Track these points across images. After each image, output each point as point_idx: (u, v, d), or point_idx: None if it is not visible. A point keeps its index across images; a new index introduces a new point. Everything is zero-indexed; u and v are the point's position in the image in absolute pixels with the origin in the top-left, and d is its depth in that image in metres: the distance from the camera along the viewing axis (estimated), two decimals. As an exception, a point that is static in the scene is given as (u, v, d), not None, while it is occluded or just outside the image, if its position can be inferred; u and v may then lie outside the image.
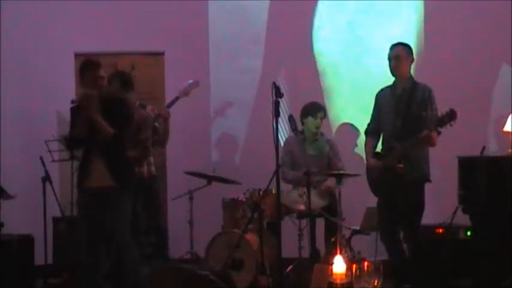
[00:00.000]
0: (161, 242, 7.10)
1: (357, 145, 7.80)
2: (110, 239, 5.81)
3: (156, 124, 7.04)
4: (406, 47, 6.26)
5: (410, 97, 6.14)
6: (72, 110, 5.84)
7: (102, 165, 5.75)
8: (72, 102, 5.85)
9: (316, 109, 7.12)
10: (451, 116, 5.79)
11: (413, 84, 6.20)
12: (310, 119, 7.11)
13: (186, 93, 7.29)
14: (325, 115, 7.20)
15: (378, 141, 6.40)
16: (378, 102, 6.38)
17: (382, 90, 6.39)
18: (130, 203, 5.88)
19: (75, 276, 6.72)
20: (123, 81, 6.58)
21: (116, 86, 6.54)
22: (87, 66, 5.82)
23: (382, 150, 6.32)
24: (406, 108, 6.13)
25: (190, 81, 7.36)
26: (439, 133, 5.96)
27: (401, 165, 6.02)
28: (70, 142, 5.98)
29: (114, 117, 5.72)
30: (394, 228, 6.24)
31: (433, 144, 6.07)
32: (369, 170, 6.32)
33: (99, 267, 5.84)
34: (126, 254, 5.83)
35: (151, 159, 6.99)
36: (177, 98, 7.17)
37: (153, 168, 7.00)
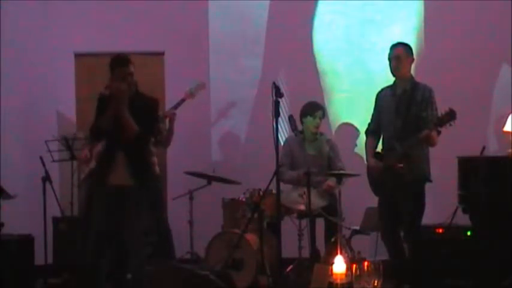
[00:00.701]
0: (165, 242, 7.10)
1: (356, 145, 7.81)
2: (119, 238, 5.79)
3: (160, 124, 7.05)
4: (406, 47, 6.26)
5: (410, 97, 6.14)
6: (100, 100, 5.80)
7: (125, 163, 5.73)
8: (101, 93, 5.81)
9: (314, 108, 7.12)
10: (451, 115, 5.80)
11: (414, 85, 6.20)
12: (309, 119, 7.11)
13: (192, 95, 7.28)
14: (324, 114, 7.20)
15: (378, 141, 6.40)
16: (378, 102, 6.38)
17: (382, 90, 6.39)
18: (146, 203, 5.86)
19: (75, 276, 6.73)
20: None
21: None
22: (118, 62, 5.80)
23: (382, 150, 6.32)
24: (406, 108, 6.14)
25: (197, 83, 7.36)
26: (439, 133, 5.96)
27: (401, 165, 6.02)
28: (94, 132, 5.89)
29: (141, 116, 5.72)
30: (395, 228, 6.24)
31: (433, 144, 6.07)
32: (370, 170, 6.32)
33: (100, 266, 5.83)
34: (133, 257, 5.80)
35: (155, 159, 7.01)
36: (182, 100, 7.17)
37: (157, 168, 7.02)
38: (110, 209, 5.75)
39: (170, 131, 7.11)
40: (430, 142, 6.03)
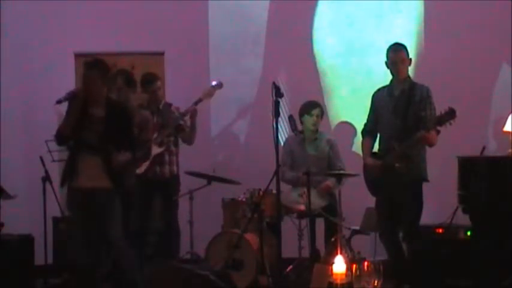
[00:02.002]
0: (174, 242, 7.11)
1: (353, 143, 7.82)
2: (107, 240, 5.79)
3: (181, 122, 7.07)
4: (405, 48, 6.27)
5: (409, 97, 6.14)
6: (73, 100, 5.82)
7: (94, 165, 5.71)
8: (59, 101, 5.83)
9: (311, 107, 7.12)
10: (451, 114, 5.80)
11: (412, 85, 6.20)
12: (306, 117, 7.12)
13: (210, 94, 7.28)
14: (322, 112, 7.19)
15: (374, 141, 6.40)
16: (375, 102, 6.38)
17: (379, 90, 6.38)
18: (120, 203, 5.82)
19: (75, 276, 6.73)
20: (127, 79, 6.62)
21: (120, 83, 6.58)
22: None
23: (379, 150, 6.32)
24: (405, 108, 6.13)
25: (214, 82, 7.37)
26: (438, 132, 5.96)
27: (398, 165, 6.02)
28: (57, 138, 5.93)
29: (118, 122, 5.73)
30: (393, 229, 6.24)
31: (431, 144, 6.07)
32: (367, 170, 6.32)
33: (96, 267, 5.83)
34: (120, 255, 5.80)
35: (174, 159, 7.04)
36: (200, 100, 7.17)
37: (175, 168, 7.06)
38: (84, 212, 5.74)
39: (193, 128, 7.12)
40: (426, 142, 6.03)
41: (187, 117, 7.11)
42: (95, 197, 5.70)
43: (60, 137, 5.85)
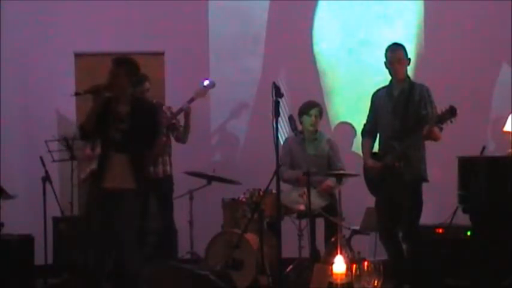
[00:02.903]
0: (170, 242, 7.10)
1: (353, 144, 7.82)
2: (117, 240, 5.78)
3: (174, 121, 7.07)
4: (404, 48, 6.27)
5: (408, 97, 6.14)
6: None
7: (120, 163, 5.68)
8: (78, 93, 5.81)
9: (309, 107, 7.12)
10: (451, 112, 5.80)
11: (411, 85, 6.20)
12: (305, 117, 7.12)
13: (202, 94, 7.29)
14: (321, 112, 7.18)
15: (374, 141, 6.40)
16: (375, 103, 6.38)
17: (378, 90, 6.39)
18: (140, 205, 5.85)
19: (75, 276, 6.73)
20: (140, 79, 6.63)
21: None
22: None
23: (379, 150, 6.32)
24: (404, 108, 6.14)
25: (207, 82, 7.36)
26: (441, 129, 5.97)
27: (398, 165, 6.02)
28: (80, 132, 5.91)
29: (143, 119, 5.75)
30: (393, 228, 6.24)
31: (436, 139, 6.05)
32: (367, 170, 6.32)
33: (100, 266, 5.83)
34: (129, 257, 5.78)
35: (167, 159, 7.03)
36: (192, 99, 7.17)
37: (168, 168, 7.05)
38: (104, 212, 5.73)
39: (187, 126, 7.13)
40: (433, 137, 6.02)
41: (180, 116, 7.11)
42: (117, 197, 5.66)
43: (84, 132, 5.82)
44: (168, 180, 7.09)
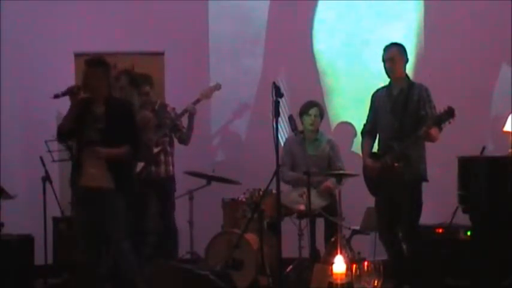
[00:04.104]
0: (171, 242, 7.10)
1: (353, 144, 7.82)
2: (108, 240, 5.79)
3: (178, 122, 7.07)
4: (399, 47, 6.27)
5: (407, 97, 6.15)
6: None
7: (97, 164, 5.70)
8: (56, 96, 5.81)
9: (309, 107, 7.13)
10: (450, 113, 5.81)
11: (410, 84, 6.21)
12: (304, 117, 7.13)
13: (208, 95, 7.29)
14: (321, 112, 7.18)
15: (374, 141, 6.40)
16: (374, 103, 6.39)
17: (378, 90, 6.39)
18: (127, 205, 5.82)
19: (75, 276, 6.73)
20: (131, 79, 6.62)
21: (124, 83, 6.59)
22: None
23: (378, 150, 6.32)
24: (403, 108, 6.14)
25: (213, 83, 7.37)
26: (440, 129, 5.97)
27: (398, 165, 6.03)
28: (57, 135, 5.93)
29: (119, 118, 5.73)
30: (393, 228, 6.24)
31: (433, 140, 6.06)
32: (366, 170, 6.32)
33: (97, 266, 5.83)
34: (121, 256, 5.78)
35: (170, 159, 7.03)
36: (198, 100, 7.18)
37: (170, 168, 7.04)
38: (88, 211, 5.73)
39: (190, 128, 7.14)
40: (430, 138, 6.02)
41: (184, 117, 7.11)
42: (97, 197, 5.69)
43: (61, 134, 5.85)
44: (170, 180, 7.09)
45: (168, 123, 7.01)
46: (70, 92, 5.75)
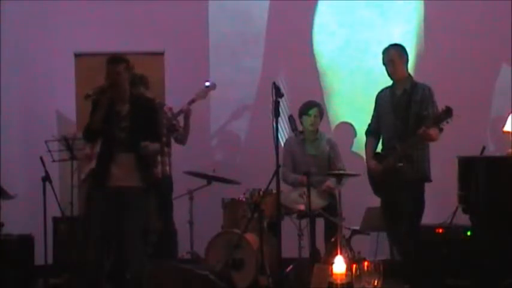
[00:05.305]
0: (171, 242, 7.10)
1: (353, 143, 7.82)
2: (119, 239, 5.77)
3: (174, 122, 7.07)
4: (398, 48, 6.28)
5: (410, 97, 6.16)
6: (94, 103, 5.81)
7: (127, 163, 5.70)
8: (88, 95, 5.79)
9: (309, 107, 7.13)
10: (447, 113, 5.82)
11: (413, 84, 6.22)
12: (304, 118, 7.13)
13: (203, 95, 7.29)
14: (320, 112, 7.18)
15: (378, 142, 6.41)
16: (378, 103, 6.40)
17: (382, 91, 6.41)
18: (152, 203, 5.85)
19: (75, 276, 6.73)
20: (131, 79, 6.62)
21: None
22: (109, 60, 5.85)
23: (382, 150, 6.33)
24: (406, 108, 6.15)
25: (208, 83, 7.37)
26: (441, 130, 5.98)
27: (401, 164, 6.03)
28: (85, 134, 5.93)
29: (143, 116, 5.75)
30: (399, 229, 6.25)
31: (432, 140, 6.06)
32: (370, 170, 6.33)
33: (100, 266, 5.83)
34: (134, 255, 5.77)
35: (167, 159, 7.02)
36: (193, 100, 7.18)
37: (167, 169, 7.04)
38: (108, 211, 5.72)
39: (186, 128, 7.15)
40: (429, 138, 6.03)
41: (180, 117, 7.11)
42: (125, 196, 5.67)
43: (90, 133, 5.84)
44: (167, 180, 7.08)
45: (165, 124, 7.00)
46: (101, 91, 5.70)
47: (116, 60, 5.77)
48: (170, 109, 7.15)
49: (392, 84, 6.30)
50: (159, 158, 6.99)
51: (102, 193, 5.79)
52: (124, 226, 5.69)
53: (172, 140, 7.24)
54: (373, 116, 6.45)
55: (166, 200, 7.07)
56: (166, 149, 7.10)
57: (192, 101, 7.18)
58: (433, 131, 5.94)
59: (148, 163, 5.79)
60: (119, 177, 5.71)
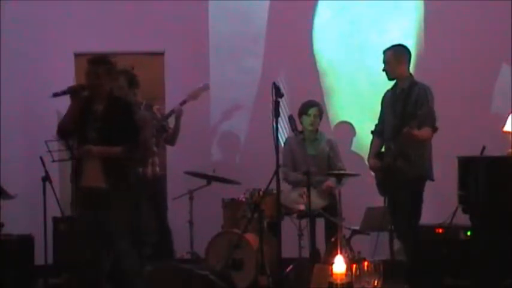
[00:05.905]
0: (166, 242, 7.09)
1: (353, 143, 7.82)
2: (108, 240, 5.77)
3: (164, 123, 7.06)
4: (395, 49, 6.31)
5: (406, 97, 6.18)
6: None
7: (95, 163, 5.68)
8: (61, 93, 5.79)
9: (308, 106, 7.13)
10: (430, 113, 5.89)
11: (411, 84, 6.24)
12: (304, 117, 7.14)
13: (195, 96, 7.29)
14: (320, 112, 7.18)
15: (383, 141, 6.44)
16: (383, 103, 6.46)
17: (387, 91, 6.46)
18: (127, 205, 5.80)
19: (75, 276, 6.73)
20: (130, 79, 6.62)
21: (122, 83, 6.59)
22: (89, 61, 5.83)
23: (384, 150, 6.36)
24: (402, 107, 6.18)
25: (201, 84, 7.36)
26: (435, 130, 5.99)
27: (397, 163, 6.05)
28: (58, 132, 5.91)
29: (118, 117, 5.72)
30: (398, 228, 6.26)
31: (418, 139, 6.05)
32: (373, 170, 6.37)
33: (98, 266, 5.82)
34: (121, 256, 5.77)
35: (156, 159, 7.00)
36: (184, 101, 7.18)
37: (157, 169, 7.01)
38: (88, 211, 5.73)
39: (176, 129, 7.13)
40: (414, 138, 6.02)
41: (171, 118, 7.10)
42: (95, 197, 5.68)
43: (61, 132, 5.83)
44: (158, 180, 7.05)
45: (155, 124, 6.98)
46: (72, 90, 5.73)
47: (96, 61, 5.77)
48: (159, 110, 7.13)
49: (395, 84, 6.34)
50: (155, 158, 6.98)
51: (79, 193, 5.82)
52: (106, 227, 5.67)
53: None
54: (379, 116, 6.50)
55: (159, 200, 7.05)
56: (156, 149, 7.07)
57: (184, 102, 7.17)
58: (421, 131, 5.95)
59: (116, 165, 5.67)
60: (90, 177, 5.70)
